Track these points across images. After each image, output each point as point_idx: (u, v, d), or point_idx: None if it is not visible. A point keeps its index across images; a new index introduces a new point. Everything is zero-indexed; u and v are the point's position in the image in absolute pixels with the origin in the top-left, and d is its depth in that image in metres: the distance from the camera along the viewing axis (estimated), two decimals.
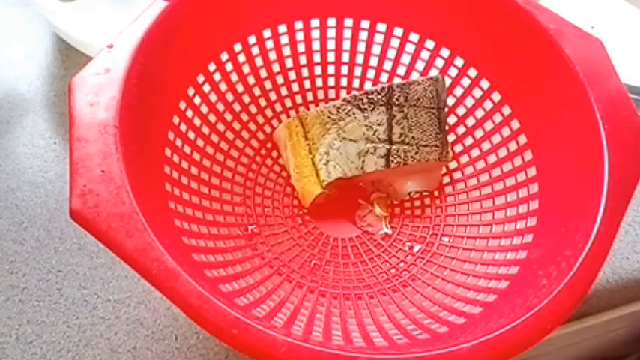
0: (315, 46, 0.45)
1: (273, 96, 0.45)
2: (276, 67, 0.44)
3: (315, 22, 0.44)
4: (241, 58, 0.42)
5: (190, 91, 0.39)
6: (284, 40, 0.44)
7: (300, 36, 0.44)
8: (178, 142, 0.38)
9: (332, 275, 0.41)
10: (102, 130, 0.29)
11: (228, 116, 0.43)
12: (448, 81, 0.44)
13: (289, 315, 0.34)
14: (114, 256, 0.43)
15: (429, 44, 0.44)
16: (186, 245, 0.33)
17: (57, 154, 0.48)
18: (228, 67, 0.42)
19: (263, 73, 0.44)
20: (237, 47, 0.42)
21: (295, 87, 0.46)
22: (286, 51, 0.44)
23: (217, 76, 0.41)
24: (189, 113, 0.39)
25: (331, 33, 0.45)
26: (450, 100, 0.44)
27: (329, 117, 0.40)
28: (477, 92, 0.43)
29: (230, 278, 0.34)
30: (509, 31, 0.38)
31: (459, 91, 0.44)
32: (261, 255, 0.40)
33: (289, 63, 0.45)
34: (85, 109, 0.30)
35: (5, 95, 0.51)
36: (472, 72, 0.43)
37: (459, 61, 0.43)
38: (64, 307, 0.41)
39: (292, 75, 0.45)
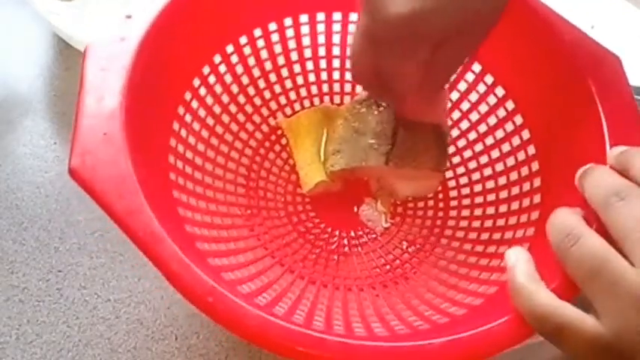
0: (321, 39, 0.45)
1: (277, 89, 0.45)
2: (281, 60, 0.44)
3: (320, 16, 0.44)
4: (247, 50, 0.42)
5: (196, 82, 0.39)
6: (289, 33, 0.44)
7: (305, 29, 0.44)
8: (183, 132, 0.38)
9: (333, 267, 0.41)
10: (110, 93, 0.30)
11: (232, 108, 0.43)
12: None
13: (290, 305, 0.34)
14: (114, 256, 0.43)
15: None
16: (190, 234, 0.33)
17: (57, 154, 0.48)
18: (234, 59, 0.42)
19: (268, 65, 0.44)
20: (243, 40, 0.42)
21: (300, 80, 0.46)
22: (291, 44, 0.44)
23: (223, 68, 0.41)
24: (195, 104, 0.39)
25: (337, 27, 0.44)
26: (454, 95, 0.44)
27: (353, 110, 0.41)
28: (482, 88, 0.43)
29: (232, 267, 0.34)
30: (522, 35, 0.38)
31: (463, 85, 0.44)
32: (263, 246, 0.40)
33: (294, 56, 0.45)
34: (97, 73, 0.31)
35: (5, 95, 0.51)
36: (476, 67, 0.42)
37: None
38: (64, 307, 0.41)
39: (297, 68, 0.45)
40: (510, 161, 0.40)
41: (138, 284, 0.42)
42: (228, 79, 0.42)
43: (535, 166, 0.38)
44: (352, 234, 0.43)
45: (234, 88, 0.43)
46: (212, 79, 0.41)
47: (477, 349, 0.26)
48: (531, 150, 0.39)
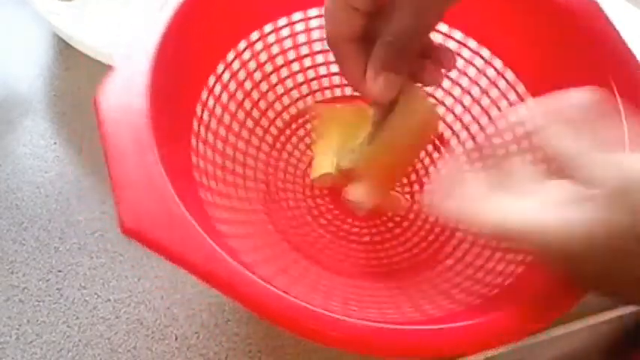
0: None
1: (300, 78, 0.46)
2: (304, 50, 0.45)
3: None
4: (270, 38, 0.43)
5: (220, 68, 0.40)
6: (313, 23, 0.44)
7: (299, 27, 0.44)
8: (205, 116, 0.38)
9: (350, 255, 0.41)
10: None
11: (255, 94, 0.43)
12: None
13: (306, 289, 0.35)
14: (114, 256, 0.43)
15: (442, 27, 0.43)
16: (210, 216, 0.33)
17: (57, 154, 0.48)
18: (258, 46, 0.42)
19: (291, 54, 0.44)
20: (268, 28, 0.42)
21: (323, 70, 0.46)
22: (315, 34, 0.44)
23: (247, 55, 0.42)
24: (217, 89, 0.40)
25: None
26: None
27: None
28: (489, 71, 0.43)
29: (248, 251, 0.35)
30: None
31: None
32: (279, 231, 0.41)
33: (317, 46, 0.45)
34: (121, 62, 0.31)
35: (5, 95, 0.51)
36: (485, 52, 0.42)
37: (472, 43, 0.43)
38: (64, 307, 0.41)
39: (320, 58, 0.45)
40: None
41: (138, 284, 0.42)
42: (252, 65, 0.42)
43: None
44: (371, 222, 0.44)
45: (258, 75, 0.43)
46: (236, 64, 0.41)
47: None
48: None
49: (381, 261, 0.42)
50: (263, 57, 0.43)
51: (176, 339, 0.40)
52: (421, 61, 0.31)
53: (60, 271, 0.42)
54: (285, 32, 0.43)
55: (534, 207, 0.25)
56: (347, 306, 0.34)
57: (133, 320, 0.41)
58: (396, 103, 0.32)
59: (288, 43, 0.44)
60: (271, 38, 0.43)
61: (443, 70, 0.32)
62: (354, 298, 0.36)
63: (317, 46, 0.45)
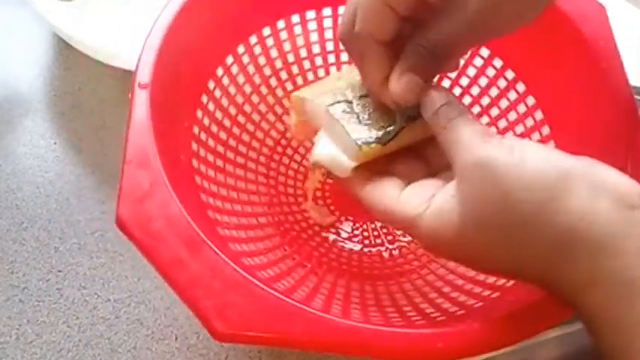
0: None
1: (300, 80, 0.45)
2: (303, 53, 0.44)
3: (341, 10, 0.44)
4: (269, 42, 0.43)
5: (219, 72, 0.40)
6: (311, 26, 0.44)
7: (327, 22, 0.44)
8: (206, 121, 0.38)
9: (351, 258, 0.42)
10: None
11: (255, 98, 0.43)
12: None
13: (308, 292, 0.35)
14: (114, 256, 0.43)
15: None
16: (211, 220, 0.33)
17: (57, 154, 0.48)
18: (257, 50, 0.42)
19: (290, 57, 0.44)
20: (266, 31, 0.42)
21: (321, 73, 0.46)
22: (313, 37, 0.44)
23: (246, 59, 0.42)
24: (218, 93, 0.40)
25: None
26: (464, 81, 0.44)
27: None
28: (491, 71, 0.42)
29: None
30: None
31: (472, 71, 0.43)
32: (281, 234, 0.41)
33: (316, 49, 0.45)
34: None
35: (5, 95, 0.51)
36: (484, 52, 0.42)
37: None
38: (64, 307, 0.41)
39: (319, 61, 0.45)
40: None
41: (138, 284, 0.42)
42: (250, 69, 0.42)
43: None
44: (371, 226, 0.44)
45: (257, 79, 0.43)
46: (235, 69, 0.41)
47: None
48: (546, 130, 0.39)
49: (384, 264, 0.42)
50: (262, 60, 0.43)
51: (176, 339, 0.40)
52: None
53: (60, 271, 0.42)
54: (283, 35, 0.43)
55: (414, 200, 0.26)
56: (348, 310, 0.34)
57: (133, 320, 0.41)
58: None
59: (286, 46, 0.43)
60: (269, 41, 0.43)
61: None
62: (355, 301, 0.36)
63: (316, 49, 0.45)
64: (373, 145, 0.29)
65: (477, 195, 0.23)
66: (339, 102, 0.31)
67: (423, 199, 0.25)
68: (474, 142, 0.24)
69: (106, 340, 0.40)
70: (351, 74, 0.33)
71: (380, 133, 0.29)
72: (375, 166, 0.29)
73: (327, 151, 0.30)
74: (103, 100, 0.51)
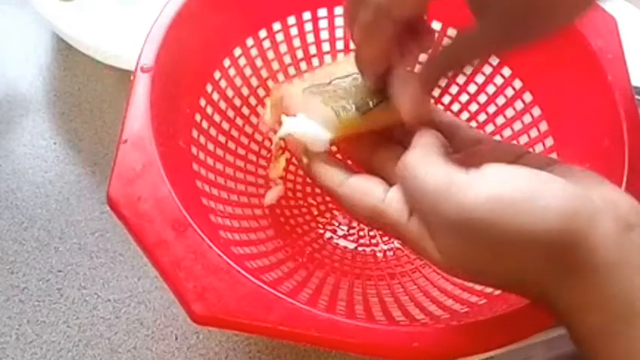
0: (338, 33, 0.44)
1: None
2: (299, 54, 0.44)
3: (338, 10, 0.43)
4: (266, 44, 0.42)
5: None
6: (308, 27, 0.43)
7: (323, 23, 0.44)
8: (204, 124, 0.38)
9: (353, 258, 0.41)
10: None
11: (252, 100, 0.43)
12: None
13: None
14: (114, 256, 0.43)
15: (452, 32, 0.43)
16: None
17: (57, 154, 0.48)
18: (253, 52, 0.42)
19: (287, 59, 0.44)
20: (262, 33, 0.42)
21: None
22: (310, 38, 0.44)
23: (242, 61, 0.41)
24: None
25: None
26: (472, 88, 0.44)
27: None
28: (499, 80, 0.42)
29: (254, 256, 0.35)
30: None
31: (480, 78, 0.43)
32: (282, 236, 0.41)
33: (313, 50, 0.44)
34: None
35: (5, 95, 0.51)
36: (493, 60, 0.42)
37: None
38: (64, 307, 0.41)
39: (315, 61, 0.45)
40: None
41: (138, 284, 0.42)
42: (258, 62, 0.42)
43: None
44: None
45: (254, 81, 0.43)
46: (232, 71, 0.41)
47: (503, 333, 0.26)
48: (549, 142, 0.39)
49: (386, 263, 0.42)
50: (259, 62, 0.43)
51: (176, 339, 0.40)
52: (406, 42, 0.30)
53: (60, 271, 0.42)
54: (279, 37, 0.43)
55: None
56: (352, 309, 0.34)
57: (133, 320, 0.41)
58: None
59: (283, 48, 0.43)
60: (266, 44, 0.42)
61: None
62: (359, 300, 0.36)
63: (312, 50, 0.44)
64: (351, 115, 0.28)
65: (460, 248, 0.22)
66: (315, 85, 0.30)
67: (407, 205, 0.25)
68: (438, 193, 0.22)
69: (106, 340, 0.40)
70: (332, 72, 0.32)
71: (359, 103, 0.28)
72: (355, 153, 0.29)
73: (301, 123, 0.28)
74: (103, 100, 0.51)
